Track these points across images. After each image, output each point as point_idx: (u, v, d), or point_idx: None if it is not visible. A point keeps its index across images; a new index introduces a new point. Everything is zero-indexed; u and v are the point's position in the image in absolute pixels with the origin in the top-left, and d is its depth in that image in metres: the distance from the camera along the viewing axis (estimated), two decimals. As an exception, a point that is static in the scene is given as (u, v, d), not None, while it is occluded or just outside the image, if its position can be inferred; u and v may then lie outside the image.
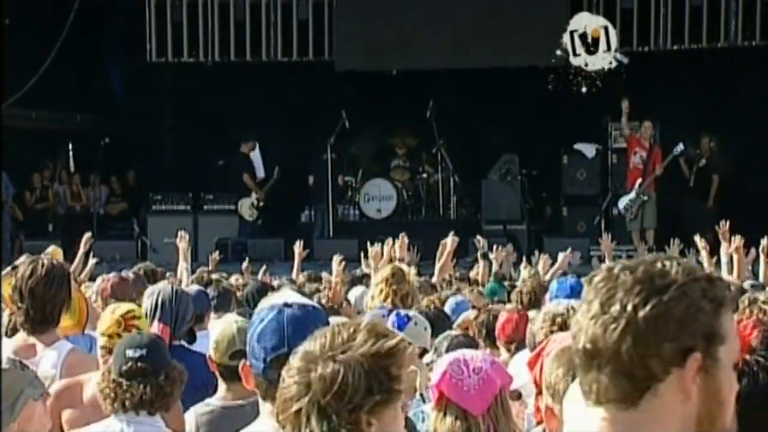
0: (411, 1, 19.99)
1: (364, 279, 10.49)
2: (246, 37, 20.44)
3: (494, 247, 12.72)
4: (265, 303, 3.38)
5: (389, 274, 7.06)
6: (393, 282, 6.99)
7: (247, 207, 19.72)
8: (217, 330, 5.18)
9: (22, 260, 5.86)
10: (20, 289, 5.40)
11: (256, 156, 19.86)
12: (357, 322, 2.73)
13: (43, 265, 5.44)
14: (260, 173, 19.85)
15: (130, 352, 4.63)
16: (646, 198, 18.35)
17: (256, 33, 20.46)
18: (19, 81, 18.18)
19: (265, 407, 3.19)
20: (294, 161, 20.27)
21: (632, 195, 18.41)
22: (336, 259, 10.80)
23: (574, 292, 6.56)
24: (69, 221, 20.14)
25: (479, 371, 3.98)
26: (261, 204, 19.69)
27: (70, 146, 20.97)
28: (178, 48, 20.55)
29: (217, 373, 4.98)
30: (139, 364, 4.59)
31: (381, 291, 6.96)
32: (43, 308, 5.38)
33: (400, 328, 5.69)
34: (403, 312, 6.10)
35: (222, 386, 4.99)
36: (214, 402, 5.00)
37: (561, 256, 11.75)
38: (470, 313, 7.56)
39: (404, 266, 7.59)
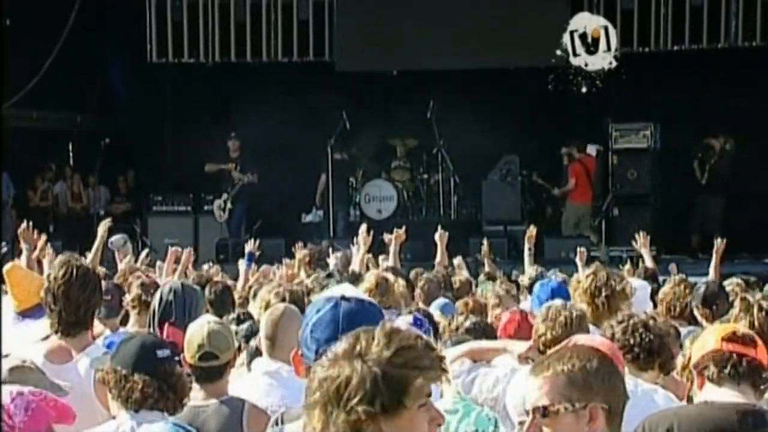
0: (411, 2, 19.99)
1: (356, 280, 10.26)
2: (246, 37, 20.44)
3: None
4: (322, 294, 3.40)
5: (373, 285, 6.88)
6: (377, 293, 6.79)
7: (217, 208, 19.67)
8: (190, 331, 5.17)
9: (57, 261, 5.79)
10: (53, 292, 5.38)
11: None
12: (399, 329, 2.70)
13: (77, 267, 5.43)
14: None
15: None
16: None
17: (256, 33, 20.45)
18: (20, 81, 18.17)
19: None
20: (294, 161, 20.24)
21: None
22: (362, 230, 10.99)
23: (556, 294, 6.59)
24: (70, 222, 20.13)
25: None
26: (229, 206, 19.61)
27: (71, 147, 20.97)
28: (179, 48, 20.55)
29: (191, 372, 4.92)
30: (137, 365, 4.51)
31: None
32: (77, 311, 5.36)
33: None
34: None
35: (195, 386, 4.91)
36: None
37: (578, 256, 11.76)
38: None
39: (389, 276, 7.40)
